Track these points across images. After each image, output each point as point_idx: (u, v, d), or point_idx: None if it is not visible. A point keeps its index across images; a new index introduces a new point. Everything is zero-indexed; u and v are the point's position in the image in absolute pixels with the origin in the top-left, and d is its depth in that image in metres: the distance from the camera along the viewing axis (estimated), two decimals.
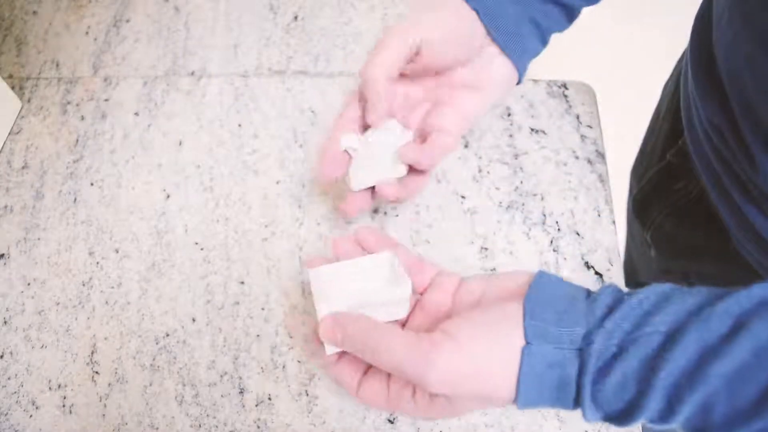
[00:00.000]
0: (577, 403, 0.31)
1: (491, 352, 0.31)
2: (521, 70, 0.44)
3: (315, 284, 0.38)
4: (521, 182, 0.53)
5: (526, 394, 0.31)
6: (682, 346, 0.28)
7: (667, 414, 0.29)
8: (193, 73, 0.62)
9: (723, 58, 0.44)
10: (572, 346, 0.30)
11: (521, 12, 0.43)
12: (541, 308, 0.31)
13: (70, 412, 0.46)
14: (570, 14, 0.45)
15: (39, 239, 0.53)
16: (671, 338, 0.29)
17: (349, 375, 0.36)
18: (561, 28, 0.45)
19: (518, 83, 0.45)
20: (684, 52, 0.61)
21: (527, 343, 0.31)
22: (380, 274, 0.38)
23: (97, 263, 0.51)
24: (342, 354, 0.37)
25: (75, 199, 0.55)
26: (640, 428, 0.44)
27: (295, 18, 0.65)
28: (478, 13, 0.42)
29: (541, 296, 0.32)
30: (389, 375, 0.35)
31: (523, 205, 0.52)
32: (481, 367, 0.31)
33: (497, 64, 0.44)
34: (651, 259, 0.67)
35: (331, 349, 0.36)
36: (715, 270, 0.57)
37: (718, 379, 0.28)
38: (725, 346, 0.28)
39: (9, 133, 0.58)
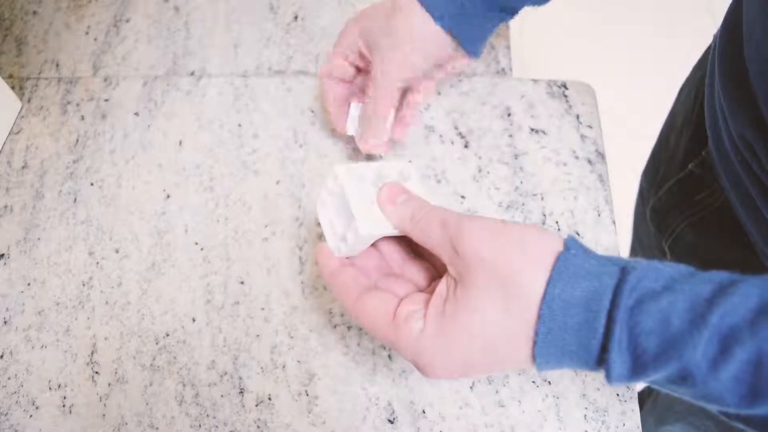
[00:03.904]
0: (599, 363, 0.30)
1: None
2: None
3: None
4: (521, 182, 0.53)
5: (545, 360, 0.31)
6: (741, 292, 0.27)
7: (717, 360, 0.26)
8: (193, 73, 0.62)
9: (757, 73, 0.43)
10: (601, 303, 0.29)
11: None
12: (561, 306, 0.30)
13: (70, 412, 0.46)
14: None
15: (39, 239, 0.53)
16: (725, 288, 0.28)
17: (352, 284, 0.37)
18: None
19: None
20: (701, 60, 0.60)
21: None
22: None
23: (97, 263, 0.51)
24: (348, 263, 0.38)
25: (75, 199, 0.55)
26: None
27: (295, 18, 0.65)
28: None
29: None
30: (400, 298, 0.35)
31: (523, 205, 0.52)
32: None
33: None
34: None
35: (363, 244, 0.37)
36: None
37: None
38: None
39: (9, 133, 0.58)
